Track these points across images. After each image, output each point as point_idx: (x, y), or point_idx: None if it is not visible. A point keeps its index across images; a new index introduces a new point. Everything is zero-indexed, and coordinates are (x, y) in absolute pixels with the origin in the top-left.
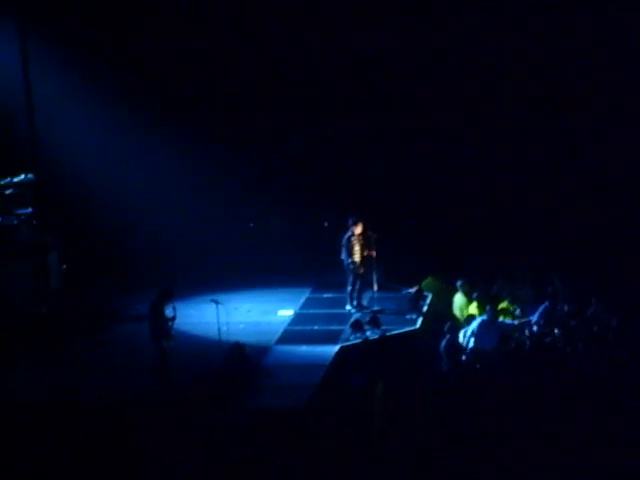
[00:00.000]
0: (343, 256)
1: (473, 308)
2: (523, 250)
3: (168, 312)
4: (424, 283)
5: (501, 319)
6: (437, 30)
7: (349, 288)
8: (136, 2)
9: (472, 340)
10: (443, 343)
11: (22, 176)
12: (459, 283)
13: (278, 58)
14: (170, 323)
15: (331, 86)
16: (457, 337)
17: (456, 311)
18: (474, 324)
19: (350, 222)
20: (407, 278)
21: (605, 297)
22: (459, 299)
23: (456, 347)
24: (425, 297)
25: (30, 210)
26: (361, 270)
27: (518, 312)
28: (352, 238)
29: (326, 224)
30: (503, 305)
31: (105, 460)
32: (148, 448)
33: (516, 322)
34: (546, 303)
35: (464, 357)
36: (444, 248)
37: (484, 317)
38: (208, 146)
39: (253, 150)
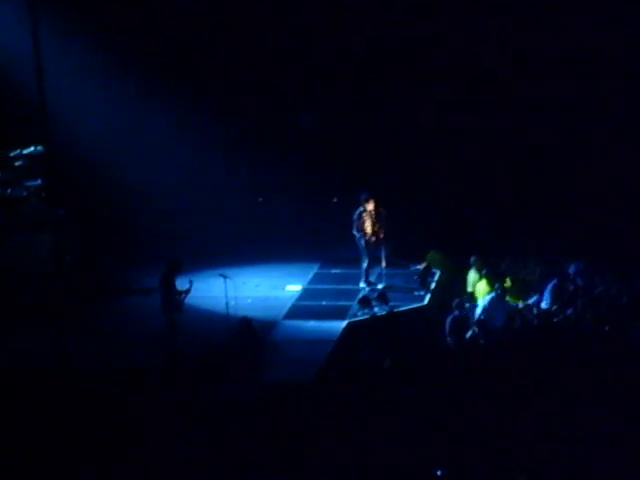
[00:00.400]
0: (354, 231)
1: (482, 284)
2: (532, 228)
3: (182, 285)
4: (428, 256)
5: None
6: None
7: (364, 265)
8: None
9: (482, 317)
10: (449, 319)
11: (32, 148)
12: (472, 259)
13: (293, 30)
14: (183, 295)
15: (341, 61)
16: (463, 313)
17: (470, 287)
18: (484, 301)
19: (362, 198)
20: (415, 254)
21: (616, 276)
22: (472, 276)
23: (461, 323)
24: (433, 274)
25: (39, 182)
26: (372, 243)
27: (532, 300)
28: (363, 214)
29: (335, 199)
30: (507, 284)
31: (107, 430)
32: (152, 419)
33: (521, 305)
34: (555, 281)
35: (471, 333)
36: (453, 224)
37: (493, 294)
38: (219, 121)
39: (264, 124)
